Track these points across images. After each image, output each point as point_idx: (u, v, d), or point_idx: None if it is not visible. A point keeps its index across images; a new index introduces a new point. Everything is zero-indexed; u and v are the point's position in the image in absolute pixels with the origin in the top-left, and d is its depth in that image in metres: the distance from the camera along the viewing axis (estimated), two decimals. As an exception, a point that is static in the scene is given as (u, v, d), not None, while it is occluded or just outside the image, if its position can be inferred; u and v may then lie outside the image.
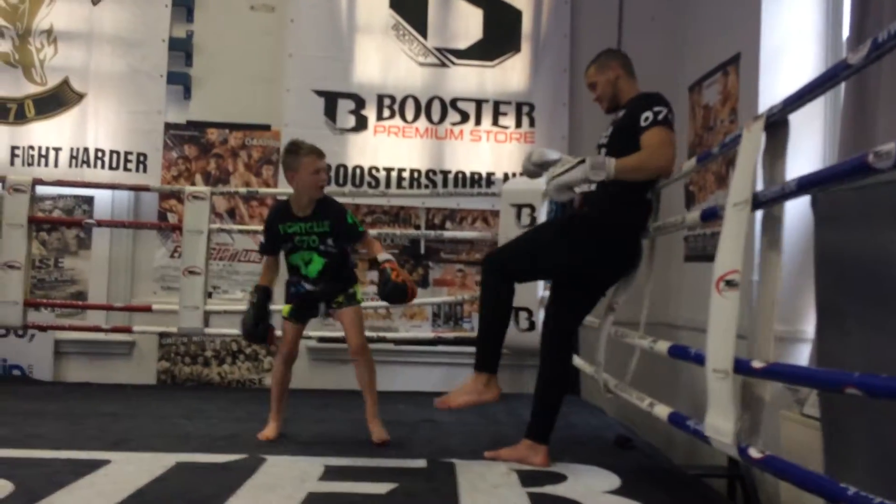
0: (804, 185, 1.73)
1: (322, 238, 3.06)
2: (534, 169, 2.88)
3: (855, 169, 1.49)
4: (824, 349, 1.91)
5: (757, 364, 1.80)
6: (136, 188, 4.49)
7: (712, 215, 2.31)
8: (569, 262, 2.73)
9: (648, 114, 2.62)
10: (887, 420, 1.61)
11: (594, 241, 2.71)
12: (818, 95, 1.85)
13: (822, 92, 1.84)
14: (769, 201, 1.90)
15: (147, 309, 4.34)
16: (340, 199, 4.63)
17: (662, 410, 2.40)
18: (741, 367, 1.85)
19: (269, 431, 3.10)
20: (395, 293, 2.97)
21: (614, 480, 2.50)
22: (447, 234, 4.62)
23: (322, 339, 4.59)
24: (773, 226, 1.96)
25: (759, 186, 1.99)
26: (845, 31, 3.10)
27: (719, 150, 2.41)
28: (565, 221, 3.02)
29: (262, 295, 3.10)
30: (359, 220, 3.34)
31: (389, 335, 4.57)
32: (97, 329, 4.36)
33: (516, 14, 4.80)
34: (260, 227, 4.57)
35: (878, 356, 1.63)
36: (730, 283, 1.91)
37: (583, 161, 2.59)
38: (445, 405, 2.72)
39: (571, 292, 2.82)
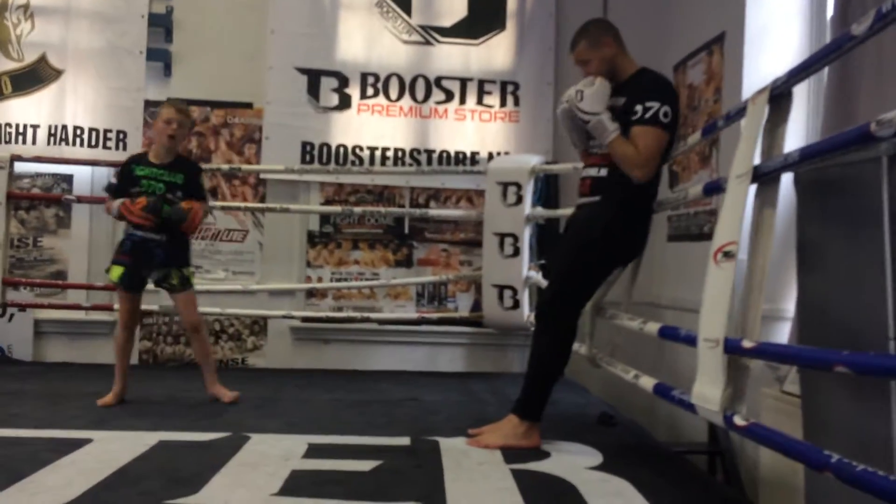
0: (807, 155, 1.73)
1: (170, 188, 3.23)
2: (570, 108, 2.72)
3: (858, 138, 1.49)
4: (805, 287, 1.90)
5: (748, 343, 1.82)
6: (118, 165, 4.41)
7: (716, 189, 2.32)
8: (609, 259, 2.75)
9: (639, 108, 2.58)
10: (867, 396, 1.63)
11: (617, 235, 2.68)
12: (823, 66, 1.86)
13: (828, 63, 1.85)
14: (771, 172, 1.91)
15: (128, 288, 4.30)
16: (324, 178, 4.67)
17: (647, 382, 2.42)
18: (732, 345, 1.86)
19: (109, 397, 3.24)
20: (175, 212, 3.19)
21: (597, 457, 2.52)
22: (432, 212, 4.60)
23: (305, 319, 4.59)
24: (769, 196, 1.96)
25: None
26: (829, 11, 3.11)
27: (724, 123, 2.40)
28: (578, 229, 2.81)
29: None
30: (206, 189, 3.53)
31: (373, 315, 4.56)
32: (77, 307, 4.32)
33: (501, -8, 4.77)
34: (242, 204, 4.57)
35: (858, 287, 1.62)
36: (727, 255, 1.92)
37: (593, 116, 2.61)
38: (479, 445, 2.62)
39: (576, 274, 2.75)
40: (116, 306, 4.25)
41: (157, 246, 3.22)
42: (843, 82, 2.73)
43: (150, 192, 3.21)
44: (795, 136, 3.15)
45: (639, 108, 2.58)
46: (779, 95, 1.96)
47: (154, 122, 3.29)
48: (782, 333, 2.99)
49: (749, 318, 1.94)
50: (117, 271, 3.25)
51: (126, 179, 3.25)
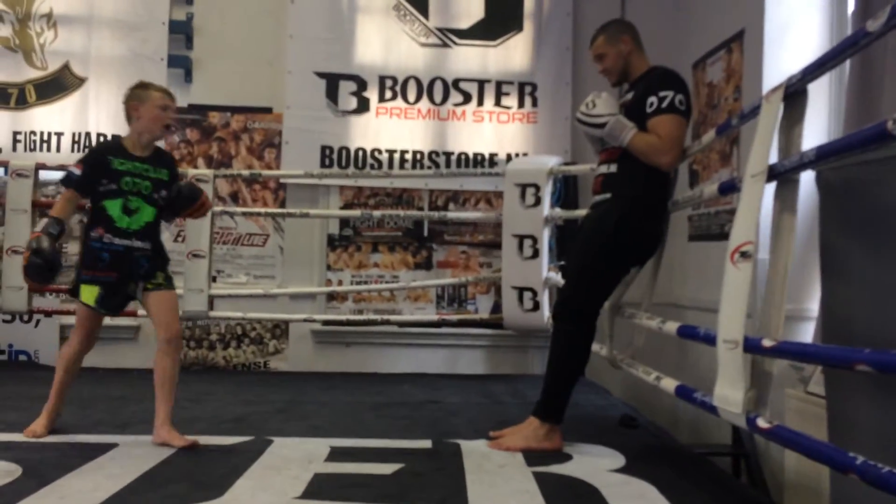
0: (824, 154, 1.71)
1: (157, 187, 2.70)
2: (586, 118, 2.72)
3: (876, 136, 1.47)
4: (829, 291, 1.89)
5: (767, 342, 1.80)
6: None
7: (731, 188, 2.30)
8: (623, 256, 2.72)
9: (653, 99, 2.59)
10: (892, 397, 1.61)
11: (628, 231, 2.66)
12: (839, 63, 1.83)
13: (843, 60, 1.82)
14: (787, 171, 1.89)
15: (152, 293, 4.34)
16: (343, 182, 4.69)
17: (669, 383, 2.40)
18: (751, 345, 1.84)
19: (39, 427, 2.68)
20: (189, 191, 2.78)
21: (619, 459, 2.51)
22: (451, 215, 4.60)
23: (326, 322, 4.61)
24: (789, 196, 1.94)
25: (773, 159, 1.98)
26: (850, 7, 3.07)
27: (738, 122, 2.38)
28: (591, 228, 2.80)
29: (60, 228, 2.61)
30: None
31: (394, 318, 4.58)
32: (102, 313, 4.36)
33: (518, -8, 4.77)
34: (263, 210, 4.59)
35: (882, 291, 1.60)
36: (744, 255, 1.90)
37: (610, 117, 2.61)
38: (500, 447, 2.62)
39: (592, 273, 2.73)
40: (141, 312, 4.33)
41: (143, 256, 2.69)
42: (866, 80, 2.69)
43: (133, 192, 2.65)
44: (818, 135, 3.11)
45: (653, 99, 2.59)
46: (794, 93, 1.94)
47: (138, 105, 2.67)
48: (806, 333, 2.95)
49: (772, 319, 1.92)
50: (92, 292, 2.64)
51: (100, 173, 2.63)
